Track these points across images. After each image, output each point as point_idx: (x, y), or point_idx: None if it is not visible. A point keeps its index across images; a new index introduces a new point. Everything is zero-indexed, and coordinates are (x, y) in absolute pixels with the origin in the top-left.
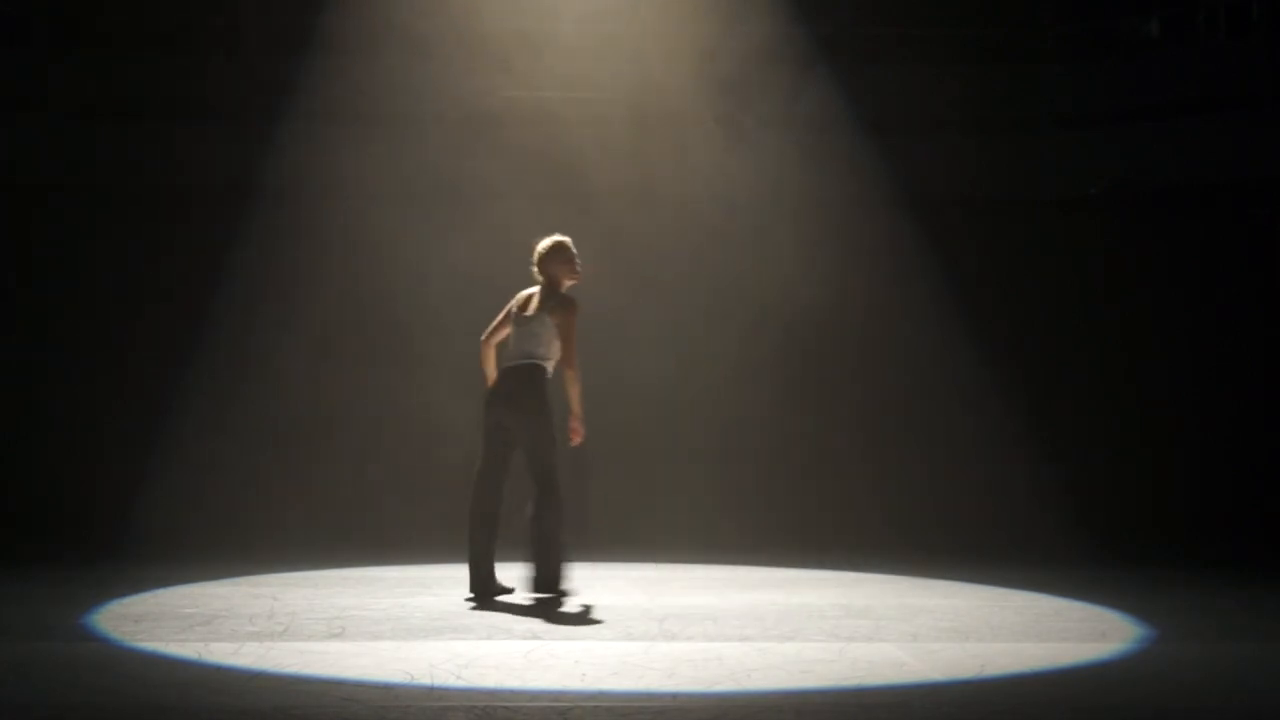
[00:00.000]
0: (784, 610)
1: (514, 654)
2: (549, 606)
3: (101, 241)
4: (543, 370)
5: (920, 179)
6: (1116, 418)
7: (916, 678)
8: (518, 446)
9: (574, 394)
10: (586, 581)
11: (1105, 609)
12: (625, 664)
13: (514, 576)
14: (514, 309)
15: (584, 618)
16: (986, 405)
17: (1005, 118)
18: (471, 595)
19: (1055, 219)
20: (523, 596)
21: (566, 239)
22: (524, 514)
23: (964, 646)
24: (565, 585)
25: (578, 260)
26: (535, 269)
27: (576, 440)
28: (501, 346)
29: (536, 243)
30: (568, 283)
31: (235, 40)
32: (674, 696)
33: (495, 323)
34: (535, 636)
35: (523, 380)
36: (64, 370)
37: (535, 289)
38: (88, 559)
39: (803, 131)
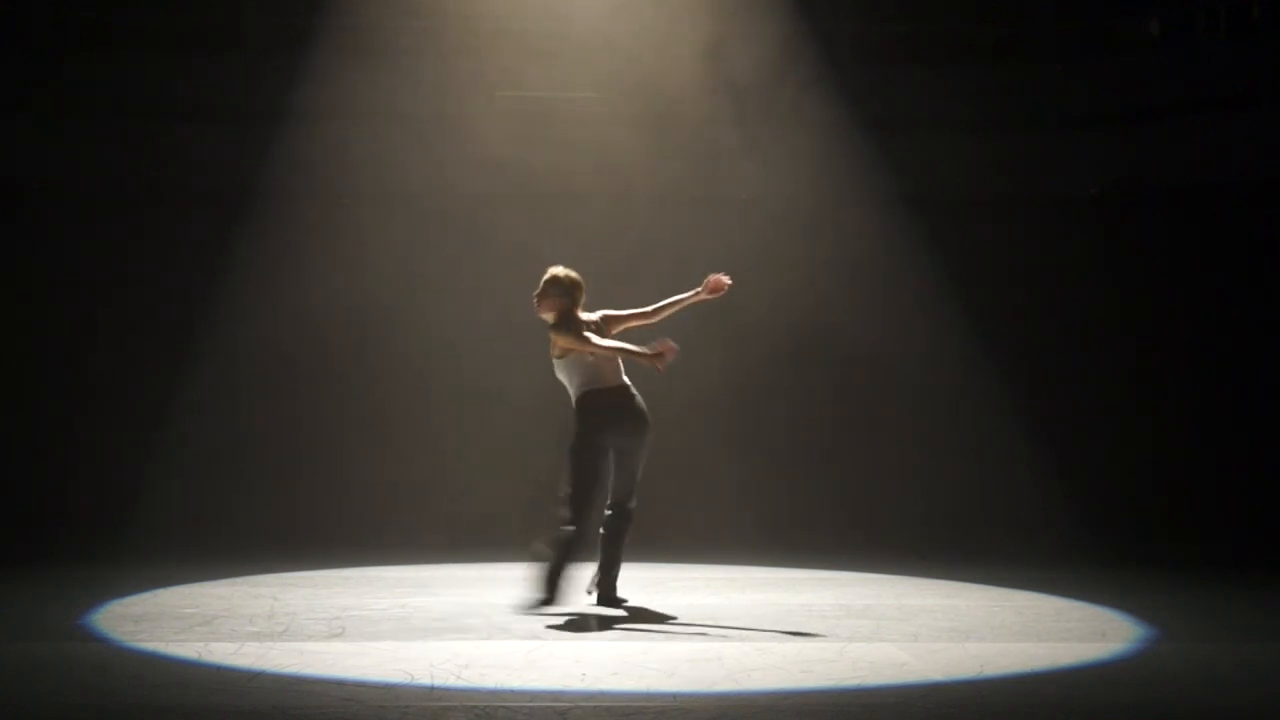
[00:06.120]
0: (784, 610)
1: (514, 654)
2: (549, 608)
3: (102, 241)
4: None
5: (919, 179)
6: (1117, 417)
7: (917, 678)
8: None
9: (617, 348)
10: (586, 582)
11: (1106, 609)
12: (625, 664)
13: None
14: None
15: (584, 618)
16: (987, 404)
17: (1005, 117)
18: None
19: (1055, 219)
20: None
21: (554, 273)
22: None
23: (964, 646)
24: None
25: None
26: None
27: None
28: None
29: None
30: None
31: (235, 40)
32: (674, 696)
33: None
34: (535, 636)
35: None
36: (64, 370)
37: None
38: (88, 559)
39: (804, 131)
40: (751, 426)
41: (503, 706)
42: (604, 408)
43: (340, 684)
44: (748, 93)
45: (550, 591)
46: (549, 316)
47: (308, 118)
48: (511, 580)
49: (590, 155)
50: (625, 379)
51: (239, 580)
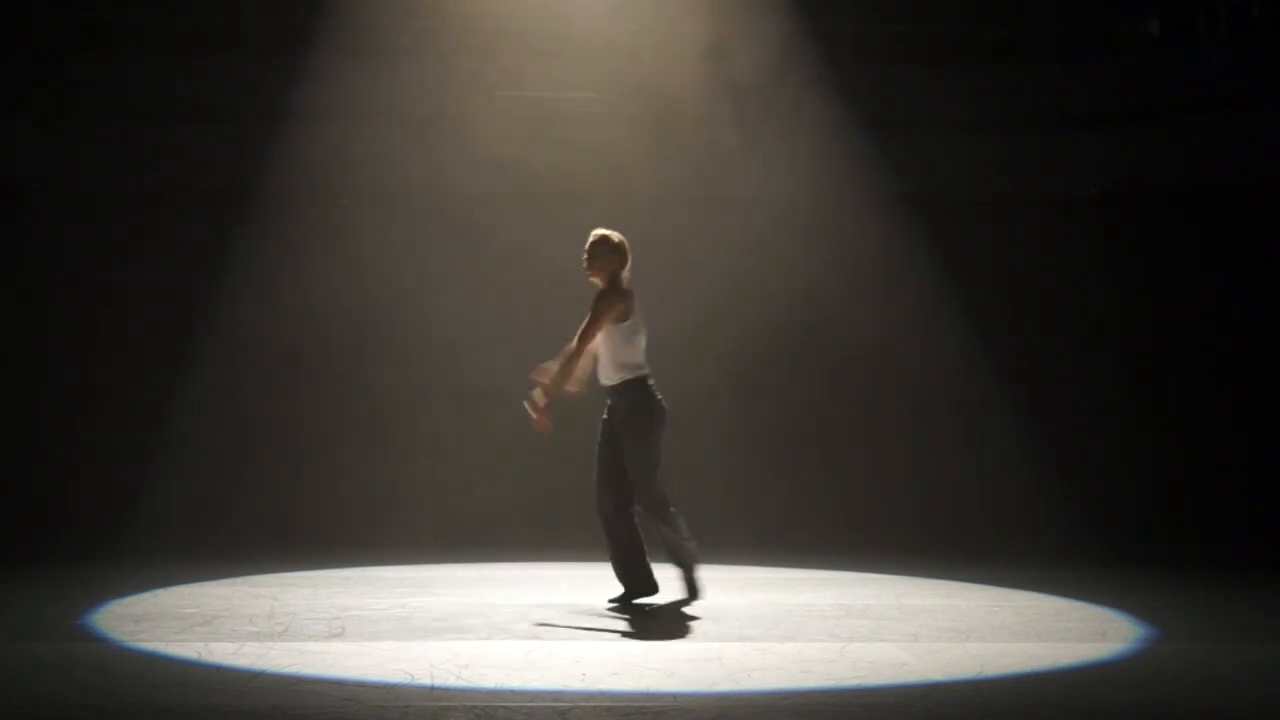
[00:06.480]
0: (784, 610)
1: (514, 654)
2: (549, 607)
3: (102, 241)
4: (624, 386)
5: (919, 179)
6: (1117, 417)
7: (917, 678)
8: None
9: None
10: (587, 582)
11: (1106, 609)
12: (625, 664)
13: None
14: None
15: (584, 618)
16: (987, 404)
17: (1005, 117)
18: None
19: (1055, 219)
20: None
21: (601, 232)
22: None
23: (964, 646)
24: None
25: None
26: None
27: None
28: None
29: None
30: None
31: (235, 40)
32: (674, 696)
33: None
34: (535, 636)
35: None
36: (64, 370)
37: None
38: (88, 559)
39: (804, 131)
40: (751, 426)
41: (503, 706)
42: (656, 396)
43: (340, 684)
44: (748, 93)
45: (691, 584)
46: (599, 279)
47: (308, 118)
48: (512, 580)
49: (590, 155)
50: None
51: (239, 580)
